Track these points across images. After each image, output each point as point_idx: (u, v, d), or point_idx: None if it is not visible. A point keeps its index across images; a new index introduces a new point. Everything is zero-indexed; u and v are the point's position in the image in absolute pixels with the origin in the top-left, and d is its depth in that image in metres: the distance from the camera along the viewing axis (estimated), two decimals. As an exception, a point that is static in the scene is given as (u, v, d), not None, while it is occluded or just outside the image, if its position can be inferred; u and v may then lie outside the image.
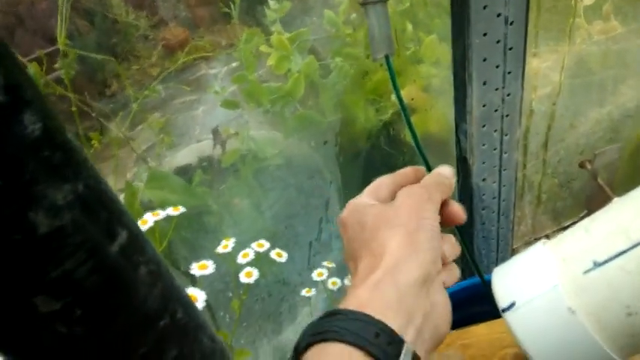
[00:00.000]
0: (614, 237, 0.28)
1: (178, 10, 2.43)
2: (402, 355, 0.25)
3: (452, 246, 0.33)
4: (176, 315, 0.21)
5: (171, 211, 0.43)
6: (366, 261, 0.30)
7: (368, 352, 0.25)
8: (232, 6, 1.45)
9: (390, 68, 0.41)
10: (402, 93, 0.92)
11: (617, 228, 0.28)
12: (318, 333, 0.26)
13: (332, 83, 1.04)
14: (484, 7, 0.42)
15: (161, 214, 0.42)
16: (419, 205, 0.31)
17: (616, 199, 0.30)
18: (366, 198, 0.34)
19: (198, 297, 0.36)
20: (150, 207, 0.67)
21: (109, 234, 0.17)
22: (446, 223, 0.34)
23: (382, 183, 0.35)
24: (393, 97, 0.95)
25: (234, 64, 1.47)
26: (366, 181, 0.36)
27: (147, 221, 0.41)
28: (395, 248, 0.29)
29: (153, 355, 0.19)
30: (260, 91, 1.03)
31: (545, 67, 0.69)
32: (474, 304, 0.56)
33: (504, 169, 0.55)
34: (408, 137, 0.80)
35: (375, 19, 0.40)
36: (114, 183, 1.04)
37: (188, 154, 1.37)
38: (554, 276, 0.30)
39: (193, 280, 0.54)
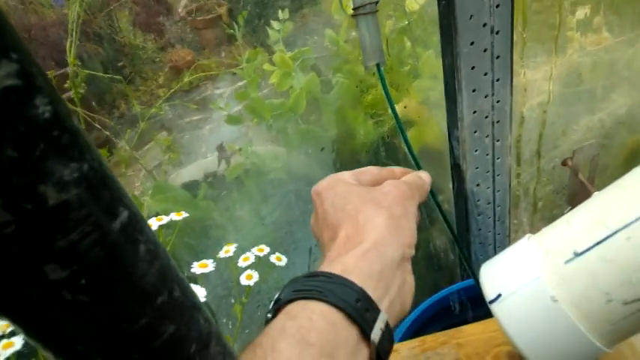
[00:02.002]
0: (593, 227, 0.30)
1: (185, 32, 2.50)
2: (378, 321, 0.27)
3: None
4: (173, 293, 0.22)
5: (175, 216, 0.44)
6: (350, 231, 0.31)
7: (347, 315, 0.26)
8: (236, 27, 1.50)
9: (381, 76, 0.43)
10: (400, 106, 0.94)
11: (595, 219, 0.30)
12: (301, 290, 0.27)
13: (333, 99, 1.06)
14: (470, 17, 0.44)
15: (164, 219, 0.44)
16: (404, 197, 0.34)
17: (596, 193, 0.32)
18: (348, 176, 0.36)
19: (198, 293, 0.38)
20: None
21: (111, 212, 0.19)
22: None
23: (369, 170, 0.38)
24: (402, 104, 0.98)
25: (239, 84, 1.51)
26: None
27: (151, 225, 0.43)
28: (382, 226, 0.31)
29: (152, 327, 0.21)
30: (263, 107, 1.06)
31: (539, 77, 0.70)
32: (472, 307, 0.57)
33: (498, 175, 0.57)
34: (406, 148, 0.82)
35: (366, 29, 0.42)
36: (132, 195, 1.07)
37: (194, 170, 1.39)
38: (538, 267, 0.31)
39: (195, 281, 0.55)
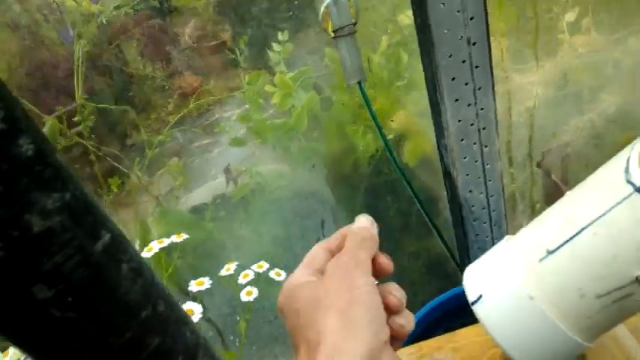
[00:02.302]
0: (563, 225, 0.31)
1: (192, 59, 2.56)
2: None
3: (397, 292, 0.31)
4: (157, 307, 0.24)
5: (175, 238, 0.47)
6: (307, 350, 0.28)
7: None
8: (238, 52, 1.54)
9: (363, 93, 0.45)
10: (396, 119, 0.96)
11: (565, 217, 0.31)
12: None
13: (333, 115, 1.09)
14: (446, 31, 0.46)
15: (165, 241, 0.46)
16: (347, 276, 0.29)
17: (568, 192, 0.33)
18: (300, 273, 0.32)
19: (195, 310, 0.39)
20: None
21: (94, 235, 0.21)
22: (378, 276, 0.32)
23: (317, 252, 0.33)
24: (391, 123, 1.00)
25: (246, 106, 1.54)
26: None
27: (152, 248, 0.45)
28: (330, 334, 0.27)
29: (137, 340, 0.23)
30: (265, 127, 1.09)
31: (528, 81, 0.72)
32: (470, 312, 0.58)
33: (489, 180, 0.58)
34: (406, 160, 0.83)
35: (346, 50, 0.44)
36: (134, 227, 1.10)
37: (203, 193, 1.42)
38: (516, 267, 0.32)
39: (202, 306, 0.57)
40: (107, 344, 0.21)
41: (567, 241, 0.30)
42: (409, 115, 0.94)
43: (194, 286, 0.44)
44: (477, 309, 0.33)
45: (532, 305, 0.31)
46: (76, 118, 1.06)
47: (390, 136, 0.95)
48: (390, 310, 0.29)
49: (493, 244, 0.65)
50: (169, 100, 2.33)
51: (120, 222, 1.34)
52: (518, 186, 0.72)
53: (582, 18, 0.83)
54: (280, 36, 1.42)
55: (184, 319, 0.26)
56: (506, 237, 0.35)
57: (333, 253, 0.32)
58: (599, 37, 0.79)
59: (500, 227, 0.63)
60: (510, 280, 0.32)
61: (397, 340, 0.30)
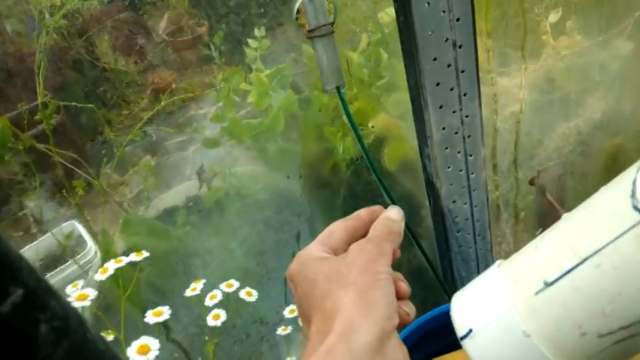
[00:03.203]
0: (562, 254, 0.28)
1: (166, 54, 2.48)
2: None
3: (403, 282, 0.33)
4: (89, 372, 0.20)
5: (134, 257, 0.42)
6: (319, 324, 0.28)
7: None
8: (213, 48, 1.48)
9: (341, 99, 0.42)
10: (377, 122, 0.93)
11: (564, 245, 0.28)
12: None
13: (311, 116, 1.05)
14: (430, 33, 0.43)
15: (124, 260, 0.42)
16: (371, 261, 0.31)
17: (565, 215, 0.30)
18: (316, 249, 0.33)
19: (151, 346, 0.35)
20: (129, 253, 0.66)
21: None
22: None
23: (335, 230, 0.34)
24: (370, 124, 0.96)
25: (220, 104, 1.49)
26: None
27: (107, 269, 0.41)
28: (348, 308, 0.28)
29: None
30: (240, 128, 1.04)
31: (513, 84, 0.69)
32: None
33: (474, 190, 0.55)
34: (386, 164, 0.80)
35: (323, 51, 0.40)
36: (102, 236, 1.04)
37: (176, 194, 1.37)
38: (508, 299, 0.29)
39: (166, 327, 0.53)
40: None
41: (567, 272, 0.27)
42: (389, 117, 0.91)
43: (151, 317, 0.39)
44: (467, 344, 0.30)
45: (527, 342, 0.28)
46: (36, 117, 0.99)
47: (370, 138, 0.91)
48: (398, 297, 0.32)
49: (477, 255, 0.62)
50: (142, 95, 2.25)
51: (87, 227, 1.28)
52: (502, 194, 0.69)
53: (566, 20, 0.81)
54: (257, 32, 1.37)
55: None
56: (498, 262, 0.32)
57: (349, 233, 0.34)
58: (584, 40, 0.78)
59: (484, 238, 0.60)
60: (502, 313, 0.29)
61: (399, 327, 0.31)
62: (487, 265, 0.65)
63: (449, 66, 0.45)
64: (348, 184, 0.86)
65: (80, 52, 2.17)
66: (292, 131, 1.16)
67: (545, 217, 0.48)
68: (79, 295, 0.35)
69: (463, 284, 0.66)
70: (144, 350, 0.34)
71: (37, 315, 0.18)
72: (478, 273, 0.64)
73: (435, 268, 0.50)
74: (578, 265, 0.27)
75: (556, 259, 0.28)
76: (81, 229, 1.42)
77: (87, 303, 0.35)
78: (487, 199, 0.58)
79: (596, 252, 0.26)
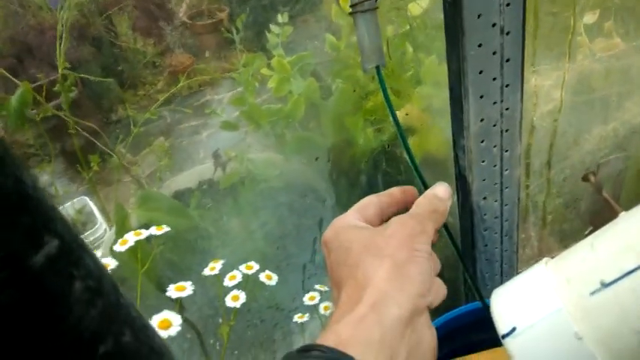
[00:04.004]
0: (622, 255, 0.26)
1: (185, 37, 2.47)
2: None
3: (435, 262, 0.33)
4: (122, 338, 0.18)
5: (154, 230, 0.41)
6: (350, 291, 0.28)
7: None
8: (234, 32, 1.47)
9: (380, 79, 0.40)
10: (402, 113, 0.91)
11: (625, 245, 0.26)
12: None
13: (332, 105, 1.03)
14: (478, 17, 0.41)
15: (144, 233, 0.40)
16: (411, 236, 0.30)
17: (623, 214, 0.28)
18: (353, 217, 0.32)
19: (173, 321, 0.34)
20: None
21: (33, 242, 0.15)
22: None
23: (369, 202, 0.34)
24: (404, 113, 0.94)
25: (239, 89, 1.47)
26: None
27: (127, 241, 0.39)
28: (382, 280, 0.27)
29: (90, 385, 0.17)
30: (259, 113, 1.02)
31: (548, 84, 0.67)
32: (476, 330, 0.53)
33: (506, 187, 0.53)
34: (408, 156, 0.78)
35: (365, 28, 0.38)
36: (117, 211, 1.03)
37: (189, 177, 1.36)
38: (558, 298, 0.27)
39: (180, 306, 0.51)
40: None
41: (627, 273, 0.25)
42: (413, 110, 0.89)
43: (173, 292, 0.38)
44: (510, 343, 0.28)
45: (579, 345, 0.26)
46: (56, 88, 0.98)
47: (392, 131, 0.89)
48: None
49: (502, 256, 0.60)
50: (159, 77, 2.24)
51: (98, 203, 1.27)
52: (531, 195, 0.67)
53: (604, 21, 0.78)
54: (280, 18, 1.35)
55: (159, 350, 0.21)
56: (545, 259, 0.30)
57: (382, 208, 0.34)
58: (622, 42, 0.75)
59: (511, 238, 0.58)
60: (552, 312, 0.27)
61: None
62: (511, 267, 0.63)
63: (494, 53, 0.43)
64: (367, 174, 0.84)
65: (100, 29, 2.16)
66: (311, 120, 1.14)
67: (598, 216, 0.46)
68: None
69: (485, 285, 0.64)
70: (165, 325, 0.33)
71: (71, 271, 0.16)
72: (501, 274, 0.62)
73: (467, 267, 0.48)
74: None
75: (615, 259, 0.26)
76: (92, 205, 1.41)
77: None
78: (518, 199, 0.55)
79: (662, 253, 0.24)
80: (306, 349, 0.25)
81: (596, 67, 0.71)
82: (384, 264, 0.28)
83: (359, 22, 0.39)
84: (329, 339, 0.25)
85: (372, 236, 0.30)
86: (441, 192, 0.35)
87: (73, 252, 0.16)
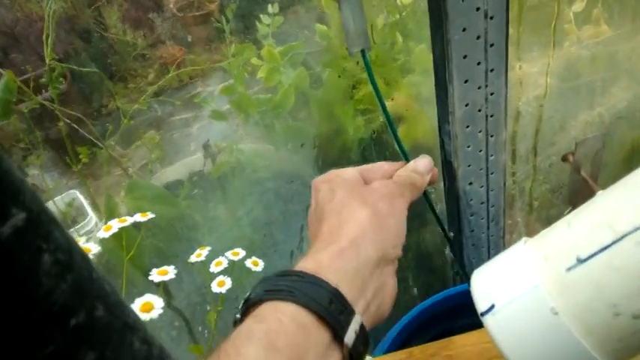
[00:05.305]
0: (598, 231, 0.26)
1: (176, 29, 2.45)
2: (352, 324, 0.26)
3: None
4: (94, 312, 0.18)
5: (139, 217, 0.41)
6: (332, 225, 0.30)
7: (319, 316, 0.25)
8: (224, 22, 1.46)
9: (366, 63, 0.40)
10: (391, 103, 0.91)
11: (601, 221, 0.26)
12: (271, 290, 0.25)
13: (322, 95, 1.03)
14: (462, 0, 0.41)
15: (128, 219, 0.40)
16: (392, 196, 0.32)
17: (600, 192, 0.28)
18: (350, 172, 0.35)
19: (155, 304, 0.34)
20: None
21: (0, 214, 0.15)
22: None
23: (379, 167, 0.36)
24: (391, 98, 0.94)
25: (230, 81, 1.47)
26: None
27: (111, 227, 0.39)
28: (363, 222, 0.29)
29: (63, 356, 0.17)
30: (249, 102, 1.02)
31: (534, 71, 0.67)
32: (462, 314, 0.53)
33: (491, 173, 0.53)
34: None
35: (350, 12, 0.38)
36: (106, 201, 1.03)
37: (179, 169, 1.35)
38: (535, 275, 0.28)
39: (168, 293, 0.51)
40: (18, 362, 0.16)
41: (603, 249, 0.25)
42: (402, 98, 0.89)
43: (156, 276, 0.38)
44: (488, 320, 0.28)
45: (555, 321, 0.26)
46: (43, 79, 0.97)
47: (381, 120, 0.90)
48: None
49: (489, 241, 0.60)
50: (149, 69, 2.22)
51: (89, 197, 1.27)
52: (517, 181, 0.67)
53: (591, 9, 0.79)
54: (270, 8, 1.34)
55: (133, 325, 0.21)
56: (524, 239, 0.31)
57: (369, 177, 0.35)
58: (609, 30, 0.75)
59: (497, 224, 0.58)
60: (529, 289, 0.27)
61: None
62: (498, 252, 0.64)
63: (478, 38, 0.43)
64: (357, 163, 0.84)
65: (88, 21, 2.14)
66: (301, 110, 1.14)
67: (577, 196, 0.47)
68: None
69: (472, 270, 0.64)
70: (147, 308, 0.33)
71: (40, 243, 0.16)
72: (489, 259, 0.63)
73: (453, 246, 0.48)
74: (615, 242, 0.25)
75: (591, 235, 0.26)
76: (82, 199, 1.41)
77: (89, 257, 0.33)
78: (504, 184, 0.56)
79: (636, 228, 0.24)
80: (286, 274, 0.26)
81: (582, 54, 0.71)
82: (366, 210, 0.30)
83: (344, 6, 0.39)
84: (309, 266, 0.27)
85: (359, 187, 0.33)
86: (421, 166, 0.37)
87: (42, 225, 0.16)
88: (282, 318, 0.24)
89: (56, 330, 0.16)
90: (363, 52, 0.39)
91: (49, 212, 0.17)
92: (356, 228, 0.29)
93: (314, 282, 0.26)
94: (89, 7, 2.15)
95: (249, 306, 0.26)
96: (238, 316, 0.26)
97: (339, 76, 0.86)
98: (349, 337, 0.25)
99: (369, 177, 0.35)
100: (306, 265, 0.27)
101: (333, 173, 0.35)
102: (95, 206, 1.48)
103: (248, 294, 0.27)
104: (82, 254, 0.18)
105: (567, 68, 0.71)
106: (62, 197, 1.46)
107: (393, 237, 0.30)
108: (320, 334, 0.24)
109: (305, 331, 0.24)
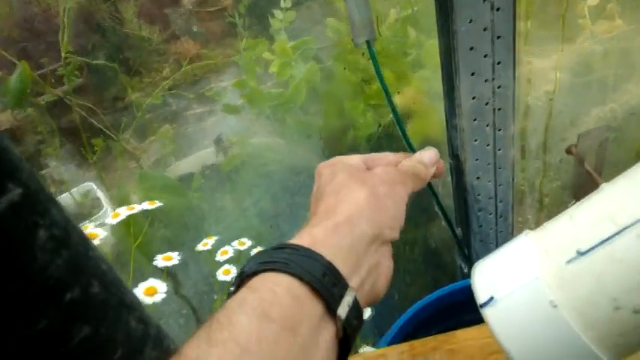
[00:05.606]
0: (600, 223, 0.26)
1: (190, 24, 2.46)
2: (345, 297, 0.26)
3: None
4: (90, 289, 0.19)
5: (147, 205, 0.41)
6: (329, 203, 0.30)
7: (313, 288, 0.25)
8: (237, 16, 1.46)
9: (371, 54, 0.40)
10: (402, 98, 0.90)
11: (602, 214, 0.26)
12: (266, 262, 0.26)
13: (333, 89, 1.03)
14: (469, -7, 0.40)
15: (136, 207, 0.41)
16: (393, 181, 0.33)
17: (604, 185, 0.28)
18: (355, 159, 0.35)
19: (158, 288, 0.34)
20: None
21: (-5, 188, 0.15)
22: None
23: (384, 157, 0.37)
24: (394, 100, 0.94)
25: (243, 77, 1.47)
26: None
27: (119, 214, 0.40)
28: (360, 200, 0.30)
29: (57, 330, 0.17)
30: (260, 96, 1.03)
31: (546, 66, 0.66)
32: (469, 309, 0.53)
33: (500, 168, 0.53)
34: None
35: (354, 3, 0.38)
36: (118, 192, 1.04)
37: (192, 162, 1.37)
38: (536, 267, 0.27)
39: (176, 282, 0.52)
40: (12, 334, 0.16)
41: (604, 241, 0.25)
42: (412, 93, 0.89)
43: (161, 261, 0.38)
44: (487, 312, 0.28)
45: (554, 314, 0.26)
46: (59, 72, 0.99)
47: (391, 115, 0.89)
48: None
49: (497, 237, 0.60)
50: (164, 64, 2.25)
51: (104, 189, 1.28)
52: (527, 177, 0.67)
53: (606, 3, 0.77)
54: (282, 3, 1.34)
55: (130, 304, 0.21)
56: (526, 231, 0.30)
57: (374, 166, 0.36)
58: (624, 24, 0.74)
59: (506, 220, 0.58)
60: (529, 282, 0.27)
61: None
62: (506, 248, 0.63)
63: (485, 30, 0.43)
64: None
65: (104, 16, 2.16)
66: (312, 104, 1.14)
67: (581, 189, 0.46)
68: (89, 234, 0.34)
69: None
70: (151, 292, 0.34)
71: (36, 219, 0.17)
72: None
73: (458, 240, 0.48)
74: (616, 235, 0.25)
75: (592, 228, 0.26)
76: (98, 191, 1.43)
77: (96, 242, 0.34)
78: (512, 179, 0.55)
79: (638, 221, 0.24)
80: (281, 247, 0.27)
81: (596, 49, 0.70)
82: (365, 189, 0.31)
83: (349, -3, 0.39)
84: (304, 240, 0.27)
85: (361, 171, 0.33)
86: (427, 157, 0.36)
87: (39, 202, 0.17)
88: (276, 289, 0.24)
89: (51, 304, 0.17)
90: (368, 43, 0.39)
91: (47, 190, 0.17)
92: (352, 206, 0.29)
93: (308, 255, 0.26)
94: (105, 1, 2.18)
95: (243, 278, 0.26)
96: (232, 288, 0.26)
97: (345, 68, 0.85)
98: (342, 309, 0.25)
99: (373, 165, 0.35)
100: (301, 239, 0.27)
101: (337, 159, 0.35)
102: (112, 198, 1.50)
103: (242, 267, 0.27)
104: (80, 233, 0.19)
105: (580, 63, 0.69)
106: (78, 189, 1.48)
107: (389, 218, 0.31)
108: (313, 306, 0.25)
109: (299, 302, 0.24)
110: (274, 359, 0.22)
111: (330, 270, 0.26)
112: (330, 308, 0.25)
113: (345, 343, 0.25)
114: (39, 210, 0.17)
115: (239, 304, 0.23)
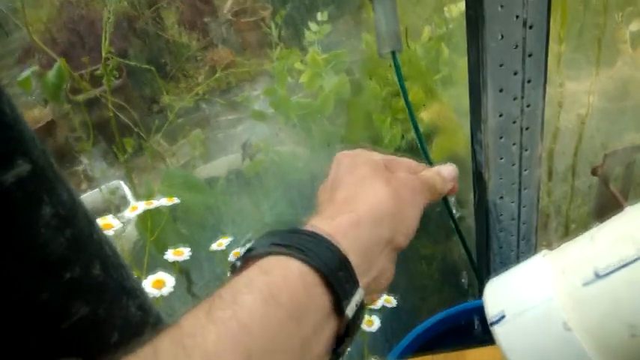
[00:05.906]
0: (620, 246, 0.25)
1: (228, 33, 2.52)
2: (355, 295, 0.25)
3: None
4: (90, 270, 0.19)
5: (165, 201, 0.42)
6: (351, 193, 0.29)
7: (327, 281, 0.24)
8: (273, 27, 1.49)
9: (396, 65, 0.40)
10: (429, 112, 0.89)
11: (622, 236, 0.25)
12: (281, 245, 0.24)
13: (362, 102, 1.03)
14: (500, 7, 0.40)
15: (154, 202, 0.42)
16: (415, 191, 0.32)
17: (628, 208, 0.27)
18: (375, 155, 0.34)
19: (166, 281, 0.35)
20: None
21: (3, 161, 0.15)
22: None
23: (407, 162, 0.36)
24: (421, 115, 0.93)
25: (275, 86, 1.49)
26: None
27: (136, 207, 0.41)
28: (383, 199, 0.29)
29: (56, 306, 0.18)
30: (288, 104, 1.04)
31: (579, 89, 0.65)
32: (479, 330, 0.52)
33: (525, 188, 0.51)
34: (433, 156, 0.77)
35: (383, 13, 0.38)
36: (145, 190, 1.06)
37: (219, 166, 1.39)
38: (550, 287, 0.26)
39: (189, 280, 0.52)
40: (12, 304, 0.16)
41: (624, 265, 0.24)
42: (442, 110, 0.88)
43: (171, 255, 0.39)
44: (497, 330, 0.27)
45: (567, 336, 0.25)
46: (98, 72, 1.02)
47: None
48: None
49: (518, 259, 0.58)
50: (201, 71, 2.30)
51: (132, 188, 1.32)
52: (554, 201, 0.65)
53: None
54: (319, 15, 1.36)
55: (130, 290, 0.21)
56: (543, 251, 0.29)
57: (397, 169, 0.35)
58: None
59: (528, 242, 0.56)
60: (543, 301, 0.26)
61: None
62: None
63: (516, 47, 0.42)
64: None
65: (147, 22, 2.24)
66: (340, 116, 1.14)
67: (604, 210, 0.44)
68: (104, 225, 0.35)
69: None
70: (158, 285, 0.34)
71: (41, 195, 0.17)
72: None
73: (471, 257, 0.47)
74: (638, 259, 0.24)
75: (612, 250, 0.25)
76: (126, 189, 1.46)
77: (110, 232, 0.35)
78: (537, 201, 0.54)
79: (661, 246, 0.23)
80: (299, 232, 0.25)
81: (635, 75, 0.67)
82: (389, 190, 0.30)
83: (377, 8, 0.39)
84: (323, 228, 0.26)
85: (383, 170, 0.32)
86: (445, 172, 0.36)
87: (46, 179, 0.17)
88: (289, 274, 0.23)
89: (51, 279, 0.17)
90: (393, 53, 0.39)
91: (57, 169, 0.18)
92: (375, 201, 0.28)
93: (327, 246, 0.25)
94: (149, 7, 2.25)
95: (251, 257, 0.24)
96: (239, 263, 0.25)
97: (371, 78, 0.85)
98: (350, 309, 0.24)
99: (392, 167, 0.34)
100: (320, 226, 0.26)
101: (359, 150, 0.34)
102: (138, 196, 1.53)
103: (251, 244, 0.25)
104: (87, 215, 0.19)
105: (616, 88, 0.67)
106: (107, 186, 1.52)
107: (405, 226, 0.30)
108: (322, 299, 0.23)
109: (310, 292, 0.23)
110: (274, 346, 0.21)
111: (346, 266, 0.25)
112: (339, 305, 0.24)
113: (342, 342, 0.25)
114: (46, 187, 0.17)
115: (245, 284, 0.22)
